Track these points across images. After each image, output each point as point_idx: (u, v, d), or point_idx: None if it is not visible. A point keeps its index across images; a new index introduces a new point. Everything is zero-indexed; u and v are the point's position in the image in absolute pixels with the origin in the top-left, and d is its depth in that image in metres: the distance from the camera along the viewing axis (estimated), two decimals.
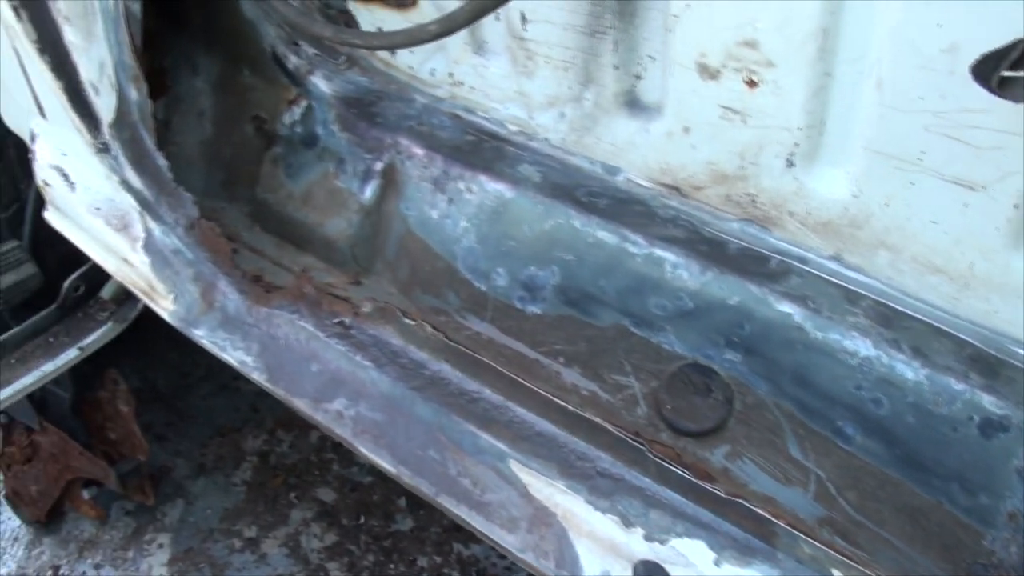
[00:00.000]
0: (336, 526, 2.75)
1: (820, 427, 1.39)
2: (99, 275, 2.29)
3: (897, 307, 1.38)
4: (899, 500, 1.32)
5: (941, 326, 1.35)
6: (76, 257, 2.35)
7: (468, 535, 2.66)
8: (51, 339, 2.29)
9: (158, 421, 3.05)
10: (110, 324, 2.25)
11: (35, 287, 2.32)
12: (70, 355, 2.22)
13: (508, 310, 1.64)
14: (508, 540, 1.35)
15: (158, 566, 2.74)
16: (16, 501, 2.84)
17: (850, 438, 1.37)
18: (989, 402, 1.28)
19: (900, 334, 1.35)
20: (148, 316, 2.28)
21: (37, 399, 2.57)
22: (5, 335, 2.25)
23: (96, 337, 2.23)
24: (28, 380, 2.19)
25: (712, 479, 1.33)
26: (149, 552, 2.77)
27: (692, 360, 1.49)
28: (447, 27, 1.35)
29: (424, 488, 1.42)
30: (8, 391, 2.18)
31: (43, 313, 2.28)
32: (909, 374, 1.33)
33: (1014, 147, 1.14)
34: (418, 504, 2.77)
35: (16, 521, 2.88)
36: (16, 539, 2.85)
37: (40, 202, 2.32)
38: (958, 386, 1.30)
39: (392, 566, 2.69)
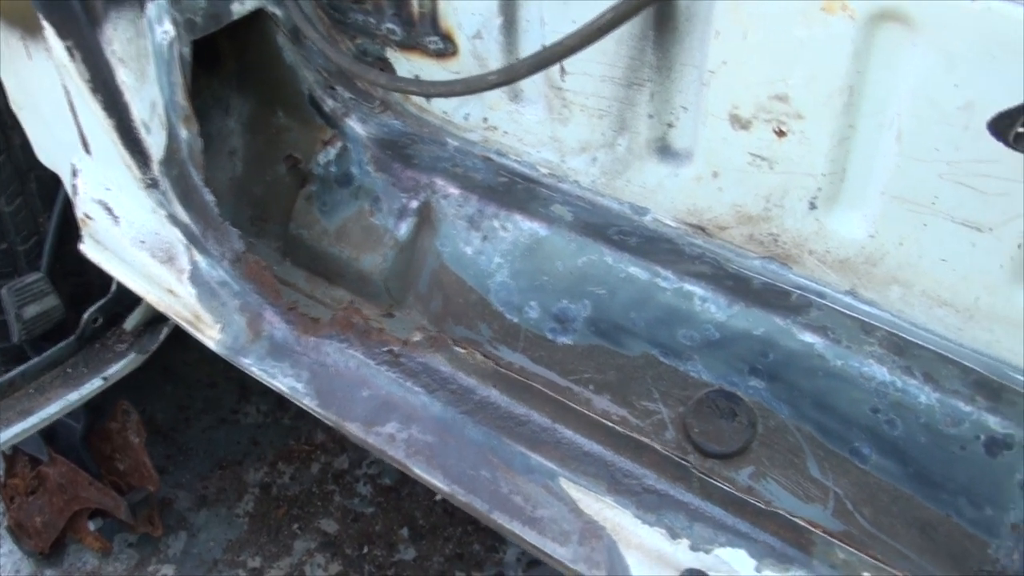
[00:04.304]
0: (340, 556, 2.77)
1: (838, 448, 1.47)
2: (116, 307, 2.35)
3: (908, 337, 1.47)
4: (911, 514, 1.41)
5: (948, 354, 1.44)
6: (90, 290, 2.41)
7: (472, 564, 2.72)
8: (69, 370, 2.33)
9: (158, 454, 3.04)
10: (133, 355, 2.29)
11: (57, 318, 2.35)
12: (94, 385, 2.26)
13: (540, 341, 1.70)
14: (560, 552, 1.41)
15: None
16: (19, 533, 2.81)
17: (866, 457, 1.45)
18: (994, 422, 1.37)
19: (912, 361, 1.44)
20: None
21: (46, 430, 2.58)
22: (24, 365, 2.29)
23: (119, 367, 2.27)
24: (53, 409, 2.23)
25: None
26: None
27: (718, 387, 1.57)
28: (507, 78, 1.42)
29: (477, 505, 1.48)
30: (32, 420, 2.21)
31: (62, 344, 2.31)
32: (921, 398, 1.42)
33: (1019, 193, 1.25)
34: (420, 534, 2.80)
35: (18, 554, 2.85)
36: (17, 572, 2.83)
37: (61, 235, 2.38)
38: (966, 408, 1.39)
39: None
